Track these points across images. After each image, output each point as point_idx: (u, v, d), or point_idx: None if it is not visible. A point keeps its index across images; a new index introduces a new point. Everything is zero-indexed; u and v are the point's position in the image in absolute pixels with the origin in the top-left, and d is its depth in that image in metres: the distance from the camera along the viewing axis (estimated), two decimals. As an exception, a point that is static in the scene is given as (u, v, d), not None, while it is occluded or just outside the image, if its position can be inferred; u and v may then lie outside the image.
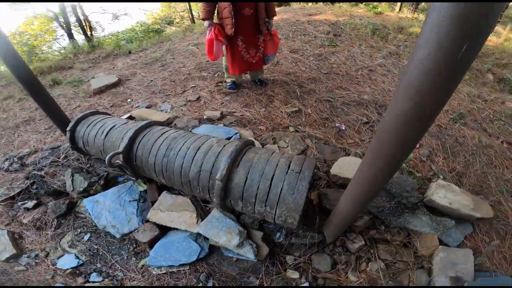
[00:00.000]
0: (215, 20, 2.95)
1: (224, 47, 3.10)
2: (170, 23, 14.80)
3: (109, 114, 2.47)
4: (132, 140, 1.79)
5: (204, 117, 2.85)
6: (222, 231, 1.67)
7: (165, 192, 1.94)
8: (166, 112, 3.14)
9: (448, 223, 1.91)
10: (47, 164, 2.38)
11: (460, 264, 1.75)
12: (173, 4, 15.08)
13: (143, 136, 1.81)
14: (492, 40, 5.63)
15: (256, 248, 1.66)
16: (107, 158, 1.66)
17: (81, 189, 2.05)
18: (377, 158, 1.13)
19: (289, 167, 1.51)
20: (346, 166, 2.12)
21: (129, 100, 3.70)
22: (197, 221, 1.77)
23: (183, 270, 1.72)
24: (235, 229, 1.68)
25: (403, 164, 2.43)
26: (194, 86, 3.71)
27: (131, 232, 1.88)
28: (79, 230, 2.00)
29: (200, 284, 1.66)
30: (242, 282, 1.66)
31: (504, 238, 2.03)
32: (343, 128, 2.84)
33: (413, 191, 2.08)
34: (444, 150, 2.76)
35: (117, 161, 1.74)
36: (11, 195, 2.18)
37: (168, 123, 2.79)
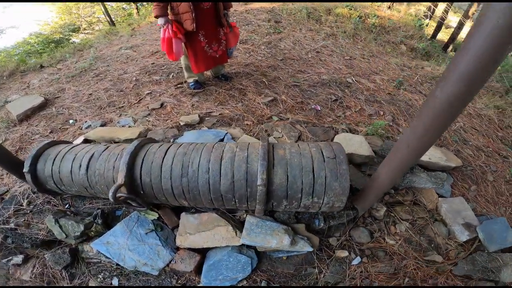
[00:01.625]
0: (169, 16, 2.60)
1: (183, 45, 2.78)
2: (76, 30, 12.77)
3: (68, 142, 1.97)
4: (131, 166, 1.45)
5: (182, 124, 2.54)
6: (269, 235, 1.56)
7: (184, 214, 1.68)
8: (129, 126, 2.69)
9: (442, 176, 2.16)
10: (10, 215, 1.80)
11: (462, 211, 1.99)
12: (74, 10, 12.98)
13: (143, 159, 1.49)
14: (395, 15, 6.52)
15: (307, 240, 1.62)
16: (111, 194, 1.31)
17: (78, 234, 1.63)
18: (424, 132, 1.20)
19: (323, 155, 1.47)
20: (345, 143, 2.18)
21: (71, 121, 3.04)
22: (236, 233, 1.58)
23: (242, 285, 1.58)
24: (279, 229, 1.59)
25: (380, 130, 2.64)
26: (150, 92, 3.27)
27: (167, 265, 1.58)
28: (101, 276, 1.65)
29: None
30: (302, 276, 1.63)
31: (477, 183, 2.41)
32: (319, 109, 2.92)
33: (401, 152, 2.29)
34: (402, 114, 3.11)
35: (120, 194, 1.39)
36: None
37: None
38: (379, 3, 6.45)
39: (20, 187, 2.18)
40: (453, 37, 8.65)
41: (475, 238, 1.96)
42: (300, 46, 4.36)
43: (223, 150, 1.50)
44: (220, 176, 1.41)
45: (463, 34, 8.66)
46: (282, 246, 1.55)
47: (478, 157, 2.83)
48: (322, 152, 1.51)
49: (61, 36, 12.12)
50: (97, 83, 3.81)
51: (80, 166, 1.54)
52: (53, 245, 1.77)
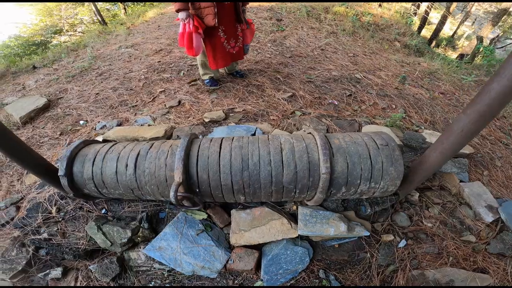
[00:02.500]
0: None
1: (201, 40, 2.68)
2: (58, 32, 12.15)
3: (98, 141, 1.83)
4: (186, 163, 1.37)
5: (207, 120, 2.45)
6: (325, 224, 1.56)
7: (234, 211, 1.61)
8: (149, 125, 2.56)
9: (464, 162, 2.22)
10: (40, 224, 1.64)
11: (483, 195, 2.07)
12: (55, 11, 12.32)
13: (197, 155, 1.41)
14: (385, 12, 6.68)
15: (361, 225, 1.65)
16: (172, 194, 1.23)
17: (125, 240, 1.51)
18: (478, 117, 1.29)
19: (376, 143, 1.49)
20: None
21: (82, 122, 2.86)
22: (291, 225, 1.54)
23: (301, 277, 1.55)
24: (334, 217, 1.60)
25: (398, 122, 2.69)
26: (164, 90, 3.14)
27: (224, 266, 1.50)
28: (152, 285, 1.50)
29: (324, 282, 1.55)
30: (356, 261, 1.67)
31: (488, 168, 2.51)
32: (336, 103, 2.92)
33: (425, 142, 2.34)
34: (412, 107, 3.18)
35: (179, 194, 1.31)
36: (19, 268, 1.47)
37: (167, 136, 2.28)
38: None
39: (39, 193, 2.01)
40: (436, 33, 8.97)
41: (498, 219, 2.05)
42: (305, 44, 4.36)
43: (280, 142, 1.45)
44: (282, 167, 1.37)
45: (445, 30, 8.97)
46: (340, 233, 1.55)
47: (485, 144, 2.95)
48: (374, 140, 1.54)
49: (43, 38, 11.50)
50: (102, 82, 3.62)
51: (127, 165, 1.43)
52: (96, 254, 1.64)
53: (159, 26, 5.58)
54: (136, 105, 2.99)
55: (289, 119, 2.48)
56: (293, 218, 1.66)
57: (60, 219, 1.71)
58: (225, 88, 2.99)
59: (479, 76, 4.82)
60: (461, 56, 7.97)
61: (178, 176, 1.31)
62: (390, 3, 7.10)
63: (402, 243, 1.77)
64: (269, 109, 2.65)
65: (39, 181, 2.07)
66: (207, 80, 3.03)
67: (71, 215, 1.73)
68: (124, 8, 11.27)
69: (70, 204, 1.77)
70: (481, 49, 5.89)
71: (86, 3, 11.50)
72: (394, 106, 3.10)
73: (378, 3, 6.78)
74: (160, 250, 1.52)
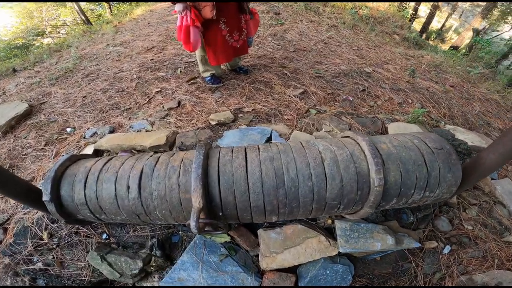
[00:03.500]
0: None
1: (200, 34, 2.34)
2: (40, 34, 11.45)
3: (91, 155, 1.48)
4: (205, 183, 1.05)
5: (213, 123, 2.12)
6: (369, 238, 1.33)
7: (261, 231, 1.32)
8: (147, 130, 2.21)
9: None
10: (31, 252, 1.29)
11: None
12: (36, 13, 11.58)
13: (218, 172, 1.09)
14: (380, 5, 6.45)
15: (408, 236, 1.44)
16: (194, 224, 0.92)
17: (136, 272, 1.21)
18: None
19: (429, 146, 1.25)
20: (402, 132, 1.93)
21: (69, 129, 2.47)
22: (329, 242, 1.26)
23: None
24: (378, 230, 1.37)
25: (420, 118, 2.43)
26: (160, 91, 2.78)
27: None
28: None
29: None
30: (400, 273, 1.52)
31: (511, 163, 2.30)
32: (351, 99, 2.65)
33: (456, 139, 2.09)
34: (428, 101, 2.95)
35: (200, 221, 0.99)
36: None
37: (170, 143, 1.94)
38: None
39: (25, 213, 1.65)
40: (425, 26, 8.85)
41: (531, 217, 1.87)
42: (307, 37, 4.06)
43: (319, 150, 1.15)
44: (326, 181, 1.07)
45: (434, 23, 8.87)
46: (387, 247, 1.33)
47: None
48: (426, 143, 1.28)
49: (24, 41, 10.81)
50: (89, 84, 3.21)
51: (129, 188, 1.10)
52: (105, 284, 1.30)
53: (149, 23, 5.15)
54: (130, 108, 2.62)
55: (305, 118, 2.18)
56: (329, 233, 1.39)
57: (54, 246, 1.37)
58: (229, 86, 2.66)
59: (479, 68, 4.66)
60: (453, 48, 7.88)
61: (197, 201, 0.99)
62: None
63: (447, 249, 1.61)
64: (281, 107, 2.34)
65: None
66: (208, 78, 2.69)
67: (66, 241, 1.39)
68: (110, 8, 10.68)
69: (63, 229, 1.42)
70: (478, 42, 5.75)
71: (69, 4, 10.84)
72: (410, 101, 2.85)
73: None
74: (180, 282, 1.21)
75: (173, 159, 1.17)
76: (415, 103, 2.85)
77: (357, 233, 1.33)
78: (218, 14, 2.19)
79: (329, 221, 1.42)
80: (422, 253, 1.56)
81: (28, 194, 1.23)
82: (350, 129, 2.06)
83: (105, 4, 10.85)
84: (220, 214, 1.09)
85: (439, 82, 3.57)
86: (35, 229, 1.44)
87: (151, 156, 1.24)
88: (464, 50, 6.17)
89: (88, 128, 2.42)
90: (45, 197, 1.13)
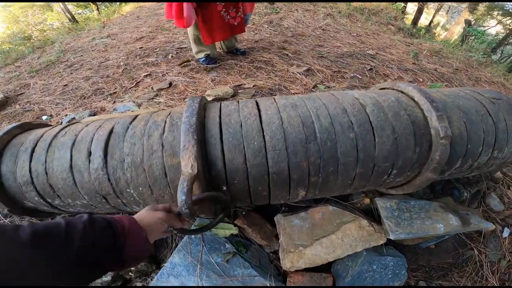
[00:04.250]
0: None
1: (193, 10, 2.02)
2: (27, 39, 11.00)
3: (47, 124, 1.12)
4: (202, 139, 0.71)
5: (210, 99, 1.78)
6: (427, 219, 0.99)
7: (280, 216, 0.95)
8: (132, 111, 1.85)
9: None
10: None
11: None
12: (22, 18, 11.14)
13: (220, 124, 0.75)
14: None
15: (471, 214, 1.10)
16: (183, 199, 0.58)
17: (109, 279, 0.85)
18: None
19: (484, 96, 0.95)
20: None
21: (45, 117, 2.09)
22: (373, 227, 0.92)
23: None
24: (434, 207, 1.03)
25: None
26: (149, 74, 2.43)
27: None
28: None
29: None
30: (462, 263, 1.24)
31: None
32: (360, 77, 2.35)
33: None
34: (438, 80, 2.69)
35: (194, 197, 0.63)
36: None
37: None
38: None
39: None
40: (414, 22, 8.76)
41: None
42: (304, 25, 3.79)
43: (354, 97, 0.82)
44: (373, 132, 0.74)
45: (422, 19, 8.80)
46: (452, 229, 0.99)
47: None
48: (481, 94, 0.98)
49: (11, 46, 10.34)
50: (71, 73, 2.84)
51: (90, 153, 0.74)
52: None
53: (138, 17, 4.83)
54: (114, 93, 2.26)
55: (314, 91, 1.86)
56: (369, 216, 1.04)
57: None
58: (226, 66, 2.33)
59: (481, 53, 4.47)
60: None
61: (189, 164, 0.64)
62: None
63: (506, 232, 1.32)
64: (286, 83, 2.02)
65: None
66: (203, 59, 2.36)
67: None
68: (98, 9, 10.34)
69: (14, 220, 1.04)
70: (471, 32, 5.60)
71: (55, 8, 10.46)
72: (421, 80, 2.58)
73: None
74: None
75: (156, 114, 0.83)
76: (426, 81, 2.58)
77: (409, 213, 0.99)
78: None
79: (366, 200, 1.06)
80: (482, 238, 1.25)
81: None
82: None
83: (92, 6, 10.53)
84: (224, 188, 0.74)
85: (444, 65, 3.33)
86: None
87: (128, 116, 0.89)
88: (457, 42, 6.02)
89: (66, 115, 2.05)
90: None
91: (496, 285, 1.12)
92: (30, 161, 0.79)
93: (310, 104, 0.78)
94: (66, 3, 8.47)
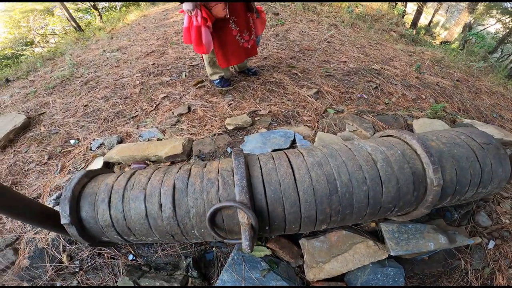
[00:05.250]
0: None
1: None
2: (29, 43, 11.14)
3: (107, 170, 1.33)
4: (251, 196, 0.92)
5: (230, 128, 1.98)
6: (421, 239, 1.26)
7: (304, 240, 1.22)
8: (158, 139, 2.06)
9: None
10: (53, 277, 1.15)
11: None
12: (23, 23, 11.23)
13: (263, 182, 0.97)
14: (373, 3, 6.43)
15: (458, 233, 1.37)
16: (247, 244, 0.80)
17: None
18: None
19: (476, 142, 1.18)
20: (429, 127, 1.88)
21: (72, 141, 2.30)
22: (378, 246, 1.18)
23: None
24: (427, 229, 1.30)
25: (440, 113, 2.36)
26: (166, 96, 2.63)
27: None
28: None
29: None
30: (451, 270, 1.49)
31: None
32: (366, 97, 2.55)
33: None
34: (440, 95, 2.89)
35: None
36: None
37: (187, 152, 1.80)
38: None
39: (36, 233, 1.48)
40: (414, 23, 8.91)
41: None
42: (309, 37, 3.97)
43: (368, 152, 1.04)
44: (381, 184, 0.96)
45: (421, 19, 8.93)
46: (441, 246, 1.26)
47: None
48: (474, 139, 1.20)
49: (13, 51, 10.50)
50: (89, 92, 3.03)
51: (161, 205, 0.95)
52: None
53: (145, 28, 4.98)
54: (136, 116, 2.45)
55: (324, 118, 2.07)
56: (373, 236, 1.30)
57: (77, 270, 1.22)
58: (240, 88, 2.53)
59: (482, 62, 4.66)
60: (444, 43, 7.95)
61: (245, 217, 0.86)
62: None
63: (491, 244, 1.57)
64: (298, 108, 2.23)
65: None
66: (217, 81, 2.55)
67: (89, 264, 1.24)
68: (100, 15, 10.44)
69: (84, 251, 1.27)
70: (471, 36, 5.78)
71: (57, 13, 10.54)
72: (423, 97, 2.78)
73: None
74: None
75: (207, 170, 1.04)
76: (429, 98, 2.78)
77: (407, 235, 1.25)
78: (229, 13, 2.07)
79: (373, 225, 1.33)
80: (469, 250, 1.51)
81: (43, 217, 1.07)
82: (373, 127, 1.96)
83: (95, 12, 10.62)
84: (267, 228, 0.96)
85: (445, 77, 3.53)
86: (52, 251, 1.28)
87: (180, 168, 1.09)
88: (456, 45, 6.20)
89: (94, 139, 2.25)
90: (64, 220, 0.97)
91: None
92: (109, 209, 1.00)
93: (333, 162, 0.99)
94: (69, 10, 8.55)
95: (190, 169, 1.07)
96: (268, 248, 1.23)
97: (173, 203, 0.95)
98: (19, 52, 10.48)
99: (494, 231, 1.63)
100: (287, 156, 1.05)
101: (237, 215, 0.90)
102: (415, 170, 1.02)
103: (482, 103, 3.01)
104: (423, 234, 1.26)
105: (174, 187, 0.99)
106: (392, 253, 1.21)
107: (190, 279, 1.15)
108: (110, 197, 1.02)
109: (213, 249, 1.26)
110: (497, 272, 1.50)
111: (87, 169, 1.53)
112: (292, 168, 0.99)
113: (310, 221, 0.97)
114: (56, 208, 1.52)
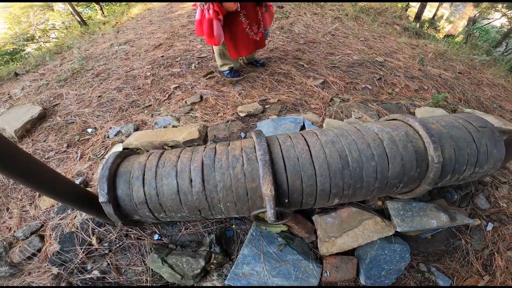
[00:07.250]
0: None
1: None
2: (30, 39, 11.16)
3: (135, 151, 1.45)
4: (273, 170, 1.04)
5: (242, 115, 2.09)
6: (424, 216, 1.36)
7: (317, 216, 1.34)
8: (173, 126, 2.17)
9: None
10: (84, 260, 1.25)
11: None
12: (24, 18, 11.24)
13: (283, 158, 1.08)
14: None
15: (459, 213, 1.48)
16: (272, 212, 0.93)
17: (198, 271, 1.17)
18: None
19: (473, 125, 1.30)
20: (430, 115, 1.95)
21: (90, 130, 2.41)
22: (385, 223, 1.31)
23: (403, 274, 1.46)
24: (430, 208, 1.40)
25: (441, 102, 2.47)
26: (178, 86, 2.73)
27: (319, 280, 1.27)
28: None
29: (427, 274, 1.48)
30: (453, 249, 1.59)
31: None
32: (370, 87, 2.66)
33: (480, 121, 2.14)
34: (442, 87, 2.98)
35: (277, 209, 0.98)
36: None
37: (203, 137, 1.91)
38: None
39: (61, 219, 1.60)
40: (418, 16, 8.91)
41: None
42: (313, 30, 4.05)
43: (375, 132, 1.16)
44: (388, 160, 1.08)
45: (425, 12, 8.93)
46: (443, 224, 1.36)
47: (517, 120, 2.80)
48: (470, 123, 1.32)
49: (15, 47, 10.54)
50: (101, 83, 3.13)
51: (192, 180, 1.07)
52: None
53: (150, 21, 5.05)
54: (150, 105, 2.56)
55: (331, 106, 2.18)
56: (380, 214, 1.44)
57: (106, 251, 1.33)
58: (249, 79, 2.64)
59: (484, 56, 4.73)
60: (448, 36, 7.98)
61: (268, 188, 0.97)
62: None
63: (490, 226, 1.68)
64: (306, 97, 2.33)
65: (57, 204, 1.65)
66: (227, 71, 2.65)
67: (118, 245, 1.35)
68: (101, 9, 10.45)
69: (112, 232, 1.38)
70: (475, 30, 5.83)
71: (56, 8, 10.56)
72: (426, 87, 2.88)
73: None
74: (245, 277, 1.20)
75: (231, 148, 1.15)
76: (431, 89, 2.88)
77: (411, 212, 1.36)
78: (240, 6, 2.16)
79: (379, 203, 1.44)
80: (469, 231, 1.61)
81: (79, 197, 1.18)
82: (378, 115, 2.07)
83: (96, 5, 10.63)
84: (286, 201, 1.08)
85: (448, 69, 3.61)
86: (81, 234, 1.40)
87: (206, 147, 1.21)
88: (460, 38, 6.26)
89: (111, 128, 2.36)
90: (102, 198, 1.09)
91: (480, 269, 1.49)
92: (143, 186, 1.12)
93: (344, 140, 1.11)
94: (73, 3, 8.58)
95: (215, 147, 1.18)
96: (284, 224, 1.35)
97: (202, 178, 1.07)
98: (20, 48, 10.54)
99: (493, 214, 1.74)
100: (303, 136, 1.17)
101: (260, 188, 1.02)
102: (417, 149, 1.14)
103: (483, 94, 3.10)
104: (426, 212, 1.37)
105: (202, 163, 1.10)
106: (398, 229, 1.32)
107: (213, 254, 1.26)
108: (144, 174, 1.14)
109: (233, 226, 1.38)
110: (495, 253, 1.61)
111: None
112: (308, 145, 1.10)
113: (324, 193, 1.09)
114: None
